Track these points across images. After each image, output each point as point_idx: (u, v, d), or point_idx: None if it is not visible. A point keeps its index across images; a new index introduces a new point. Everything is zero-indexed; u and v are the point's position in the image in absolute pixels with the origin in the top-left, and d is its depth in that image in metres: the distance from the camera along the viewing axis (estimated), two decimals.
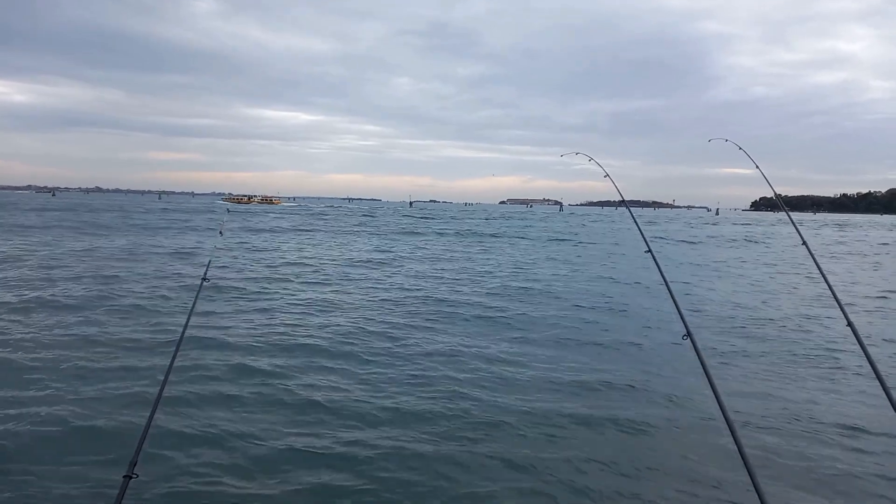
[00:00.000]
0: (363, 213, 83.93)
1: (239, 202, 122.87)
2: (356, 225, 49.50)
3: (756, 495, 2.13)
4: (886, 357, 9.07)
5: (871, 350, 3.06)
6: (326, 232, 39.23)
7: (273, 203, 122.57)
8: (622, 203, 5.79)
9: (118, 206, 75.22)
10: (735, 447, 2.33)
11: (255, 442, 5.43)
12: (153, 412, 2.64)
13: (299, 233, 37.56)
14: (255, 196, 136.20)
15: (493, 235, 41.19)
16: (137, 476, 2.33)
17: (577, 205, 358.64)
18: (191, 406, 6.19)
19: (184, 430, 5.57)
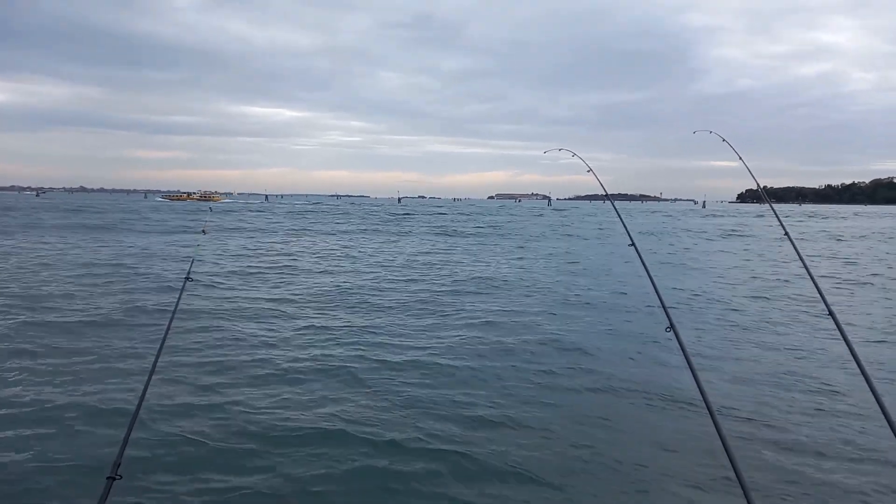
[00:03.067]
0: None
1: (179, 199, 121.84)
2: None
3: (740, 488, 2.14)
4: (868, 348, 9.18)
5: (853, 342, 3.08)
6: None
7: (213, 200, 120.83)
8: (607, 197, 5.82)
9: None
10: (719, 441, 2.34)
11: (240, 442, 5.41)
12: (136, 413, 2.62)
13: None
14: (193, 193, 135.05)
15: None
16: (121, 478, 2.30)
17: (565, 199, 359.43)
18: (175, 406, 6.14)
19: (168, 431, 5.53)
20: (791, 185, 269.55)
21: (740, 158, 5.42)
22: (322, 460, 5.10)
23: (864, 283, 16.76)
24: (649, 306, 11.58)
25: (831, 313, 3.41)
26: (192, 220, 45.42)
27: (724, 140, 5.45)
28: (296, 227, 40.31)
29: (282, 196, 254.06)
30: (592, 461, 5.20)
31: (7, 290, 12.58)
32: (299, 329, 9.81)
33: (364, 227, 41.90)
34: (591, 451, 5.39)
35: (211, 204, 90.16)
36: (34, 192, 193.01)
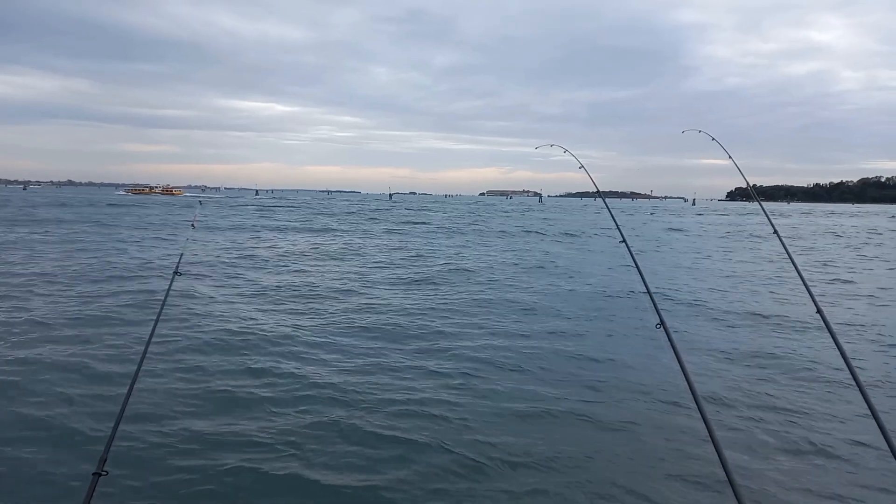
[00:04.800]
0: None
1: (141, 193, 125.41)
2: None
3: (730, 487, 2.15)
4: (855, 342, 9.25)
5: (840, 338, 3.10)
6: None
7: (173, 194, 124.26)
8: (598, 194, 5.82)
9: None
10: (708, 436, 2.34)
11: (228, 438, 5.37)
12: (123, 408, 2.60)
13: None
14: (155, 187, 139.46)
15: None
16: (107, 473, 2.28)
17: (556, 196, 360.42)
18: (162, 402, 6.09)
19: (154, 427, 5.48)
20: (780, 184, 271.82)
21: (730, 157, 5.44)
22: (311, 457, 5.09)
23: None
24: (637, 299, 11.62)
25: (819, 311, 3.43)
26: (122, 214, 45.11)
27: (713, 139, 5.46)
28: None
29: (272, 191, 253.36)
30: (577, 460, 5.20)
31: None
32: (287, 325, 9.77)
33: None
34: (576, 450, 5.38)
35: (201, 198, 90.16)
36: (21, 186, 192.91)
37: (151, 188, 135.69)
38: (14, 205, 52.03)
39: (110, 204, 39.37)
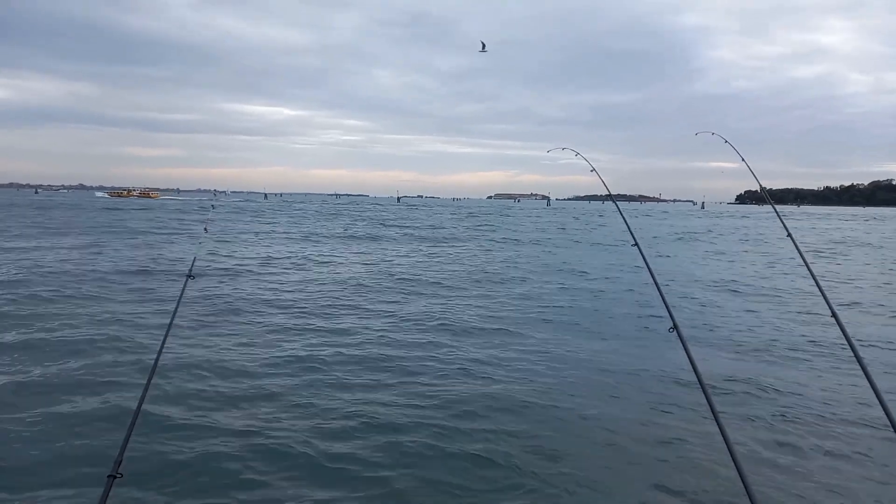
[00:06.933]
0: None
1: (120, 196, 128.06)
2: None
3: (744, 488, 2.13)
4: (871, 346, 9.17)
5: (855, 342, 3.08)
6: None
7: (151, 197, 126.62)
8: (609, 197, 5.80)
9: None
10: (722, 440, 2.33)
11: (243, 439, 5.38)
12: (138, 410, 2.61)
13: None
14: (133, 190, 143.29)
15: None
16: (122, 476, 2.29)
17: (564, 199, 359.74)
18: (177, 403, 6.12)
19: (170, 428, 5.50)
20: (790, 187, 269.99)
21: (743, 160, 5.42)
22: (328, 461, 5.09)
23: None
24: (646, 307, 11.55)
25: (834, 314, 3.41)
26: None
27: (726, 142, 5.45)
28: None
29: (280, 195, 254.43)
30: (591, 465, 5.18)
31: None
32: (301, 328, 9.78)
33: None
34: (590, 456, 5.37)
35: (213, 202, 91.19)
36: (33, 190, 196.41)
37: (129, 191, 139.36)
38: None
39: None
